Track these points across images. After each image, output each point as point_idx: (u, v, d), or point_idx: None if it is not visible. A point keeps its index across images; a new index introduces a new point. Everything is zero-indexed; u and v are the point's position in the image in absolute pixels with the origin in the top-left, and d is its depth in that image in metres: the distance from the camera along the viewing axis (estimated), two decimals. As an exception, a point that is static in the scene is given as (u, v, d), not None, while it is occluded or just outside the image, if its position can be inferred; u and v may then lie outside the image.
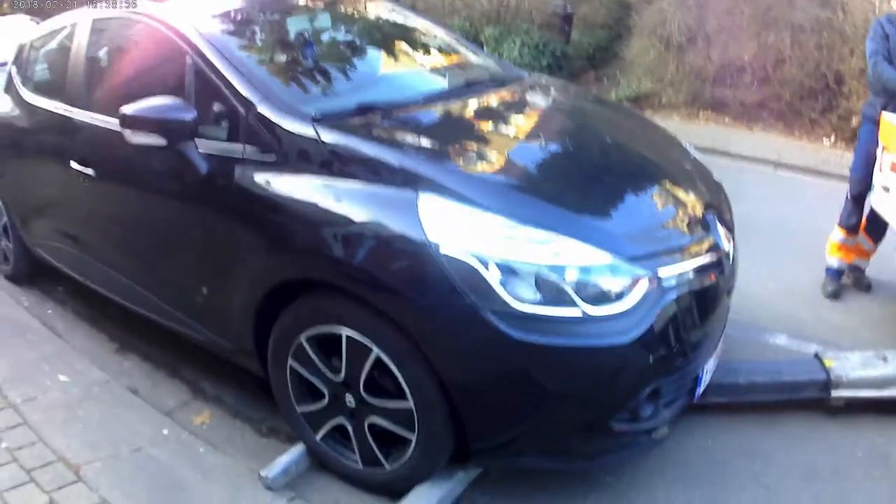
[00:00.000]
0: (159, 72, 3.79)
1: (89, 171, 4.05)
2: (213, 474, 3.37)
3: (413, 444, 3.10)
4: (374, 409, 3.15)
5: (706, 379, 3.41)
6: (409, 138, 3.36)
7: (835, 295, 5.49)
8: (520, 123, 3.90)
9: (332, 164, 3.12)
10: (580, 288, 2.78)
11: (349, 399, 3.21)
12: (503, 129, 3.81)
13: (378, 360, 3.01)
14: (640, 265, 2.92)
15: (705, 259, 3.20)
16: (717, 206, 3.62)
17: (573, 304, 2.76)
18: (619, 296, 2.83)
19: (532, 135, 3.77)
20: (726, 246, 3.41)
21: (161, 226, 3.78)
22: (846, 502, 3.37)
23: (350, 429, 3.28)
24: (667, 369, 3.00)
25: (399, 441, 3.17)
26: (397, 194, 2.95)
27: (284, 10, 4.39)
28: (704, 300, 3.18)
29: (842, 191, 5.67)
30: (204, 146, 3.39)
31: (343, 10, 4.70)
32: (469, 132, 3.65)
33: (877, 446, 3.74)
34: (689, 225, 3.32)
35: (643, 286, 2.87)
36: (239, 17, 4.05)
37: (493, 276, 2.74)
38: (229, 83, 3.41)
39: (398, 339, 2.93)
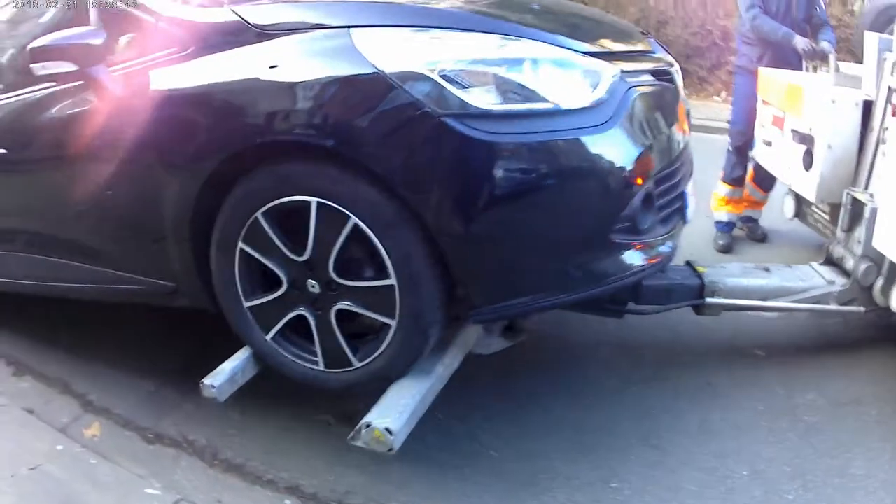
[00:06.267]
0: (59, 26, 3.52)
1: (2, 151, 3.83)
2: (104, 485, 3.32)
3: (393, 330, 2.91)
4: (344, 292, 2.94)
5: (692, 204, 3.47)
6: None
7: (726, 249, 5.55)
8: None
9: (254, 34, 2.97)
10: (545, 81, 2.74)
11: (312, 284, 2.98)
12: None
13: (353, 233, 2.80)
14: (600, 60, 2.93)
15: (657, 65, 3.30)
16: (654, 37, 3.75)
17: (542, 98, 2.71)
18: (588, 87, 2.81)
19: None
20: (672, 61, 3.52)
21: (84, 174, 3.50)
22: (753, 457, 3.33)
23: (312, 321, 3.06)
24: (653, 169, 2.98)
25: (366, 334, 3.04)
26: (329, 40, 2.83)
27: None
28: (666, 104, 3.22)
29: (733, 144, 5.73)
30: (116, 69, 3.24)
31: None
32: None
33: (778, 397, 3.73)
34: (634, 39, 3.52)
35: (608, 77, 2.86)
36: None
37: (452, 85, 2.65)
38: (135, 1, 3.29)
39: (379, 200, 2.75)
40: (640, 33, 3.71)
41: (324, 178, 2.83)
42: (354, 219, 2.77)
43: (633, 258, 3.00)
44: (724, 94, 10.31)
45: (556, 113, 2.72)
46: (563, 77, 2.78)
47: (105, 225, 3.60)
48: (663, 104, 3.18)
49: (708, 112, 9.45)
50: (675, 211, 3.28)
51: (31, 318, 4.68)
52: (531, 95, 2.70)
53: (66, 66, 3.16)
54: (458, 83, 2.65)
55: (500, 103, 2.68)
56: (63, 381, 4.21)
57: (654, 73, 3.21)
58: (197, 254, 3.22)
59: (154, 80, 3.13)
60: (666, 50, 3.69)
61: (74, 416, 3.89)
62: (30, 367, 4.41)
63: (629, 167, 2.82)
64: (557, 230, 2.81)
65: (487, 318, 3.19)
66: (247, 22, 3.01)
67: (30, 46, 3.21)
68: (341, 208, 2.79)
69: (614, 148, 2.80)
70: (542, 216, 2.77)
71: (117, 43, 3.28)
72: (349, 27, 2.81)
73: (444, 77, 2.65)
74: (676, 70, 3.52)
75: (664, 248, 3.15)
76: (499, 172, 2.66)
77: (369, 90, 2.70)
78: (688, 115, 3.55)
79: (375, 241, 2.78)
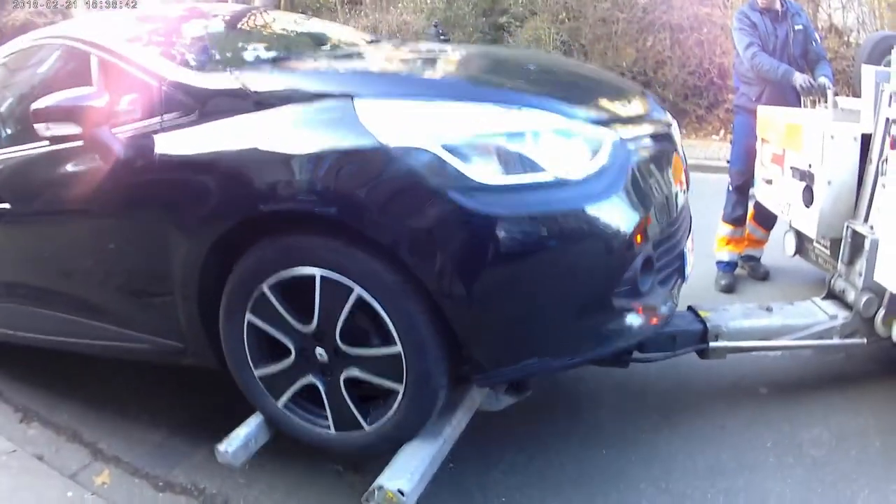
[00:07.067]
0: (64, 83, 3.57)
1: (5, 205, 3.88)
2: (114, 532, 3.32)
3: (400, 396, 2.93)
4: (351, 360, 2.96)
5: (690, 261, 3.52)
6: (332, 64, 3.67)
7: (729, 288, 5.54)
8: (443, 54, 4.11)
9: (258, 100, 3.01)
10: (546, 152, 2.76)
11: (320, 353, 3.01)
12: (424, 56, 4.03)
13: (357, 303, 2.82)
14: (601, 126, 2.97)
15: (657, 128, 3.33)
16: (651, 95, 3.80)
17: (543, 169, 2.73)
18: (589, 155, 2.84)
19: (456, 60, 3.98)
20: (671, 120, 3.57)
21: (89, 232, 3.58)
22: (762, 493, 3.32)
23: (322, 388, 3.08)
24: (653, 232, 3.00)
25: (377, 397, 3.05)
26: (332, 112, 2.86)
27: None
28: (665, 165, 3.26)
29: (734, 183, 5.73)
30: (120, 131, 3.28)
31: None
32: (389, 59, 3.86)
33: (784, 434, 3.72)
34: (633, 99, 3.50)
35: (609, 144, 2.89)
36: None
37: (454, 158, 2.67)
38: (138, 63, 3.37)
39: (382, 271, 2.76)
40: (640, 92, 3.75)
41: (327, 250, 2.85)
42: (358, 290, 2.80)
43: (635, 320, 3.01)
44: (722, 132, 10.33)
45: (558, 184, 2.73)
46: (564, 147, 2.81)
47: (111, 284, 3.65)
48: (662, 166, 3.21)
49: (707, 151, 9.47)
50: (675, 271, 3.32)
51: (40, 366, 4.73)
52: (532, 166, 2.72)
53: (70, 128, 3.22)
54: (460, 155, 2.68)
55: (502, 175, 2.70)
56: (72, 430, 4.24)
57: (653, 135, 3.26)
58: (204, 314, 3.24)
59: (158, 145, 3.17)
60: (663, 108, 3.72)
61: (84, 463, 3.91)
62: (38, 414, 4.45)
63: (629, 233, 2.85)
64: (559, 297, 2.83)
65: (492, 382, 3.22)
66: (249, 90, 3.06)
67: (33, 107, 3.26)
68: (345, 280, 2.82)
69: (615, 215, 2.82)
70: (544, 286, 2.78)
71: (120, 105, 3.32)
72: (352, 97, 2.85)
73: (446, 149, 2.67)
74: (675, 128, 3.57)
75: (664, 309, 3.18)
76: (501, 245, 2.67)
77: (372, 162, 2.72)
78: (685, 172, 3.59)
79: (380, 310, 2.80)
